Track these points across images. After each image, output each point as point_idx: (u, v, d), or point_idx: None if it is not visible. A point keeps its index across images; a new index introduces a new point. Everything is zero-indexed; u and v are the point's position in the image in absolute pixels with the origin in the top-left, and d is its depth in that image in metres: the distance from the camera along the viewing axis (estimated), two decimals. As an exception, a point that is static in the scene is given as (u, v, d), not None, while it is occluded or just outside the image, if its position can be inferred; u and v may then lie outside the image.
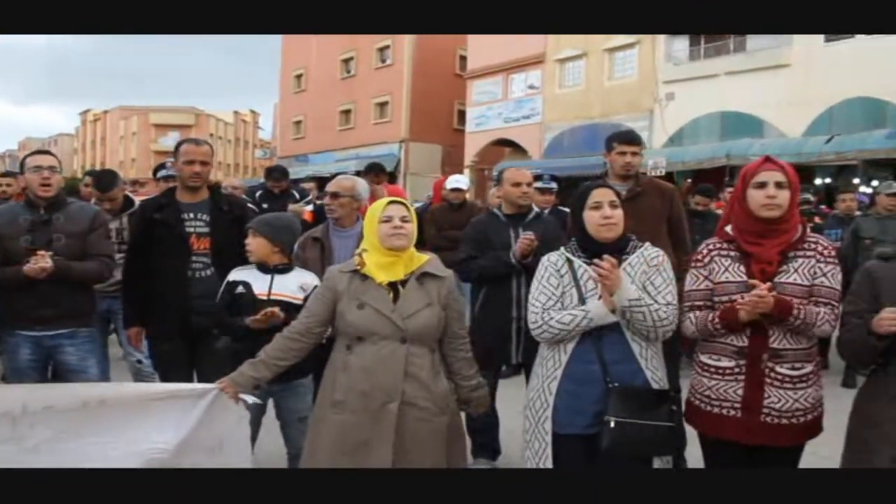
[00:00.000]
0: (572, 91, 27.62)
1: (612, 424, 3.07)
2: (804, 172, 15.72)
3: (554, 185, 7.35)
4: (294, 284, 3.99)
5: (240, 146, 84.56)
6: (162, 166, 7.47)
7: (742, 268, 3.08)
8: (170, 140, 56.73)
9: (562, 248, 3.37)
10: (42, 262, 4.00)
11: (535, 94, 29.00)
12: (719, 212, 7.46)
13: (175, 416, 3.24)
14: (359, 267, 3.28)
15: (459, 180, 7.69)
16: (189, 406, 3.26)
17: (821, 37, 19.44)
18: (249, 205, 5.74)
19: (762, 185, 3.04)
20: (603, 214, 3.23)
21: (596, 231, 3.25)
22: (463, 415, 3.58)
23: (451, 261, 4.36)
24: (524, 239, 4.50)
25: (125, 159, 76.28)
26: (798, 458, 3.18)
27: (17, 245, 4.14)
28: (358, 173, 7.44)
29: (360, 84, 38.77)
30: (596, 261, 3.09)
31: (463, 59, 33.96)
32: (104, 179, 6.03)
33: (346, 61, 39.88)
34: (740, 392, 3.05)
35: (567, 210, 4.48)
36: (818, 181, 19.88)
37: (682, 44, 24.15)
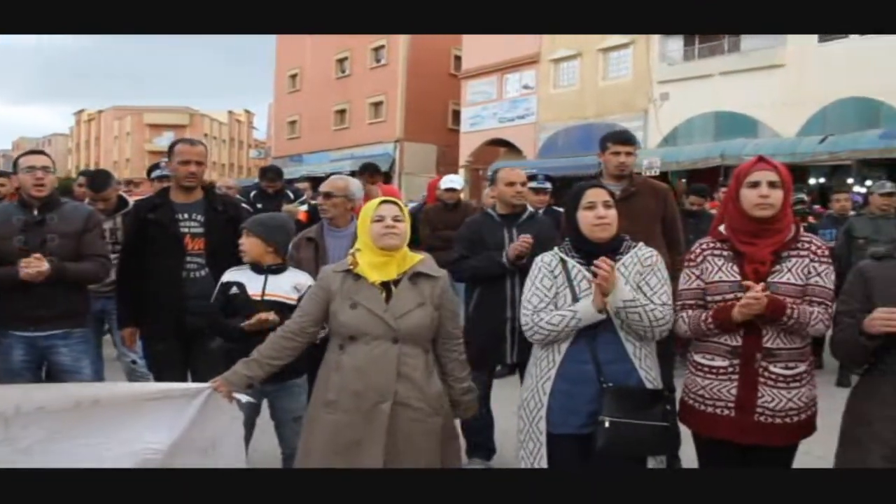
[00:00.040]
0: (567, 91, 27.65)
1: (607, 424, 3.07)
2: (798, 172, 15.80)
3: (548, 184, 7.36)
4: (288, 285, 3.99)
5: (234, 146, 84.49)
6: (156, 166, 7.47)
7: (735, 267, 3.09)
8: (164, 140, 56.72)
9: (555, 249, 3.37)
10: (39, 265, 3.99)
11: (530, 94, 29.02)
12: (713, 212, 7.47)
13: (168, 416, 3.23)
14: (352, 266, 3.28)
15: (454, 180, 7.68)
16: (182, 406, 3.25)
17: (814, 37, 19.51)
18: (244, 205, 5.73)
19: (755, 185, 3.05)
20: (597, 214, 3.23)
21: (590, 231, 3.25)
22: (456, 415, 3.58)
23: (446, 261, 4.35)
24: (522, 242, 4.50)
25: (119, 159, 76.23)
26: (792, 458, 3.19)
27: (10, 245, 4.12)
28: (353, 173, 7.42)
29: (354, 84, 38.75)
30: (596, 262, 3.08)
31: (458, 59, 33.94)
32: (98, 179, 6.02)
33: (341, 61, 39.84)
34: (734, 391, 3.06)
35: (561, 210, 4.48)
36: (812, 181, 19.91)
37: (676, 44, 24.20)
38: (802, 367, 3.08)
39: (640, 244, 3.36)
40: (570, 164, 22.10)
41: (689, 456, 3.48)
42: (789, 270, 3.03)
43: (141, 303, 4.54)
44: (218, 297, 4.04)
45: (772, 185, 3.03)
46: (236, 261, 4.11)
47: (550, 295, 3.27)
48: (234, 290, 3.98)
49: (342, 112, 40.00)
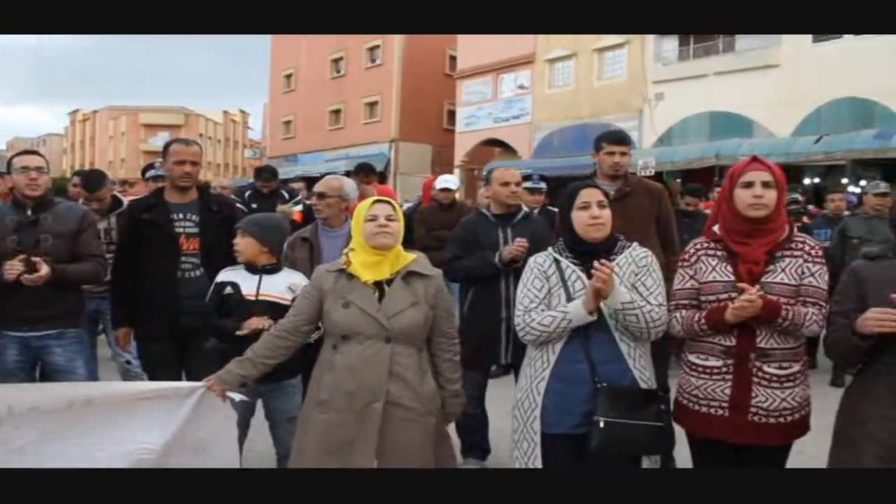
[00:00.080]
0: (562, 91, 27.65)
1: (602, 424, 3.07)
2: (793, 172, 15.84)
3: (543, 184, 7.37)
4: (282, 285, 3.99)
5: (229, 146, 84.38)
6: (151, 166, 7.45)
7: (729, 267, 3.09)
8: (159, 140, 56.60)
9: (549, 249, 3.37)
10: (38, 270, 3.98)
11: (525, 94, 29.02)
12: (708, 212, 7.48)
13: (162, 415, 3.23)
14: (345, 266, 3.28)
15: (448, 180, 7.68)
16: (176, 405, 3.25)
17: (809, 37, 19.54)
18: (238, 205, 5.72)
19: (749, 185, 3.05)
20: (591, 215, 3.23)
21: (584, 231, 3.25)
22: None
23: (440, 260, 4.35)
24: (518, 246, 4.49)
25: (114, 159, 76.02)
26: (786, 457, 3.19)
27: (4, 245, 4.11)
28: (348, 173, 7.42)
29: (349, 84, 38.72)
30: (596, 265, 3.07)
31: (453, 59, 33.96)
32: (92, 179, 6.02)
33: (336, 61, 39.81)
34: (728, 391, 3.06)
35: (556, 210, 4.48)
36: (807, 181, 19.97)
37: (671, 44, 24.20)
38: (796, 367, 3.09)
39: (635, 244, 3.36)
40: (565, 164, 22.11)
41: (683, 456, 3.48)
42: (783, 270, 3.03)
43: (135, 303, 4.53)
44: (212, 297, 4.03)
45: (766, 185, 3.04)
46: (231, 261, 4.11)
47: (542, 295, 3.27)
48: (229, 290, 3.98)
49: (337, 112, 39.98)
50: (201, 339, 4.19)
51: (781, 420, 3.04)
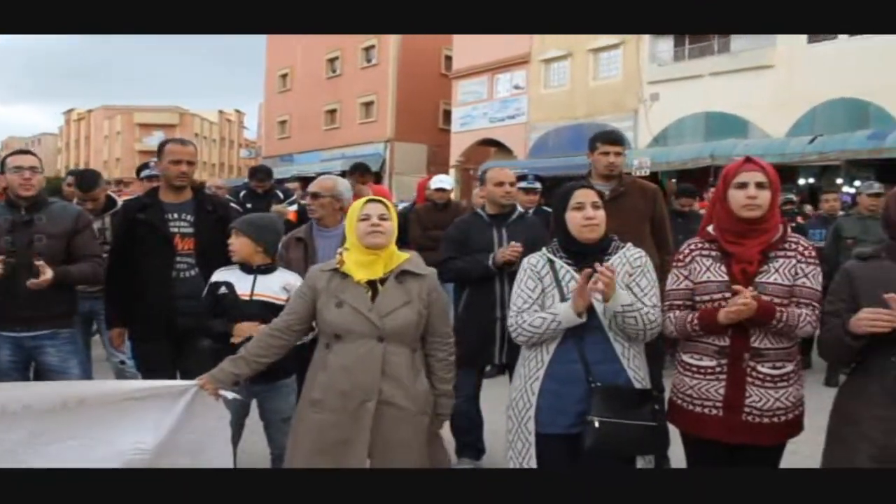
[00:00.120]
0: (557, 91, 27.68)
1: (596, 424, 3.07)
2: (787, 173, 15.87)
3: (538, 185, 7.38)
4: (277, 285, 3.98)
5: (225, 146, 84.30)
6: (145, 166, 7.44)
7: (723, 268, 3.09)
8: (154, 140, 56.44)
9: (543, 249, 3.37)
10: (44, 274, 3.97)
11: (521, 95, 29.04)
12: (703, 212, 7.49)
13: (155, 415, 3.22)
14: (339, 265, 3.28)
15: (443, 180, 7.68)
16: (169, 405, 3.24)
17: (804, 38, 19.60)
18: (233, 205, 5.71)
19: (743, 186, 3.05)
20: (585, 215, 3.23)
21: (578, 232, 3.25)
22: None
23: (435, 260, 4.35)
24: (512, 250, 4.48)
25: (109, 159, 75.95)
26: (779, 457, 3.20)
27: (-2, 245, 4.11)
28: (343, 173, 7.41)
29: (345, 84, 38.71)
30: (598, 269, 3.06)
31: (448, 59, 33.96)
32: (86, 179, 6.00)
33: (332, 61, 39.80)
34: (722, 391, 3.07)
35: (551, 210, 4.49)
36: (802, 181, 20.01)
37: (666, 44, 24.25)
38: (790, 367, 3.09)
39: (629, 245, 3.36)
40: (561, 164, 22.13)
41: (677, 455, 3.48)
42: (776, 271, 3.04)
43: (130, 303, 4.52)
44: (207, 297, 4.03)
45: (759, 185, 3.04)
46: (226, 261, 4.10)
47: (534, 296, 3.27)
48: (223, 289, 3.98)
49: (333, 112, 39.96)
50: (196, 340, 4.17)
51: (775, 420, 3.05)
